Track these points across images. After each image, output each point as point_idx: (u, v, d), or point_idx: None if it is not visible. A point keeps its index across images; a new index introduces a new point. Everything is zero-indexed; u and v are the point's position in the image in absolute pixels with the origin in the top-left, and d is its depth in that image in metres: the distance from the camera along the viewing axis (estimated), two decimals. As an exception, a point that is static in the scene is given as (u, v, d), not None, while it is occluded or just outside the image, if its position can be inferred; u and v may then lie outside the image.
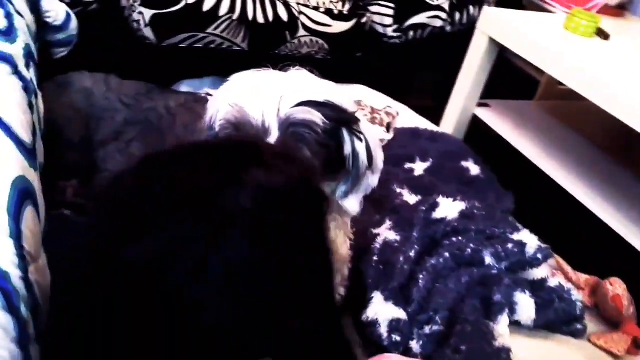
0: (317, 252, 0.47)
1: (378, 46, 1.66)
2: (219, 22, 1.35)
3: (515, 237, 0.98)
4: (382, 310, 0.86)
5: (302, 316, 0.44)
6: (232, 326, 0.41)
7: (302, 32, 1.45)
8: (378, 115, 1.43)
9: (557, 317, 0.93)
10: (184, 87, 1.44)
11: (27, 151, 0.65)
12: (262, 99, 0.68)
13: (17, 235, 0.53)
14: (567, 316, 0.94)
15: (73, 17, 1.21)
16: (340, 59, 1.59)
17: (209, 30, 1.35)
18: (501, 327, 0.87)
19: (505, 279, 0.91)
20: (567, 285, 0.99)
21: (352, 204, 0.80)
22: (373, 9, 1.61)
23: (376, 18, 1.63)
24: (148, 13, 1.29)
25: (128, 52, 1.37)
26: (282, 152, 0.53)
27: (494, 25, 1.36)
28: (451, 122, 1.52)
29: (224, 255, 0.40)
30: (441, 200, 1.05)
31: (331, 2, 1.49)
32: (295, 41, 1.45)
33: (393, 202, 1.15)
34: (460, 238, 0.98)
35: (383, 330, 0.84)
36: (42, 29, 1.15)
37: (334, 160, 0.73)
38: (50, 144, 0.92)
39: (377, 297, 0.87)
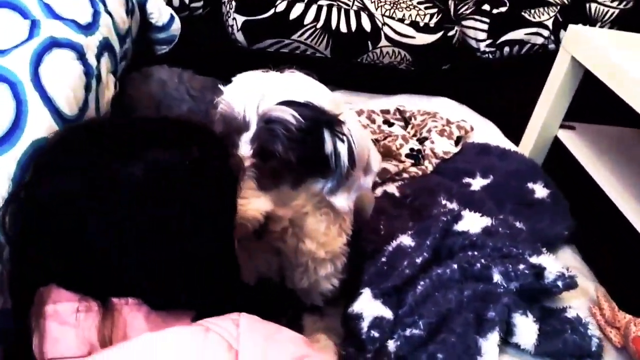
0: (207, 219, 0.55)
1: (469, 60, 1.65)
2: (304, 29, 1.46)
3: (534, 260, 0.95)
4: (368, 306, 0.89)
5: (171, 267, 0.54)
6: (105, 262, 0.52)
7: (384, 42, 1.50)
8: (448, 127, 1.43)
9: (565, 349, 0.89)
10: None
11: (64, 121, 0.80)
12: (247, 96, 0.77)
13: (19, 180, 0.67)
14: (578, 350, 0.89)
15: (176, 19, 1.40)
16: (429, 70, 1.61)
17: (294, 37, 1.47)
18: (489, 344, 0.85)
19: (504, 298, 0.89)
20: (587, 319, 0.93)
21: (340, 201, 0.84)
22: (467, 22, 1.61)
23: (470, 32, 1.62)
24: (240, 19, 1.45)
25: (224, 54, 1.53)
26: (198, 132, 0.62)
27: (578, 44, 1.28)
28: (530, 143, 1.45)
29: (107, 209, 0.52)
30: (466, 213, 1.04)
31: (418, 14, 1.52)
32: (377, 51, 1.51)
33: (431, 212, 1.15)
34: (476, 253, 0.98)
35: (364, 324, 0.88)
36: (147, 28, 1.36)
37: (313, 156, 0.79)
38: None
39: (367, 293, 0.91)
